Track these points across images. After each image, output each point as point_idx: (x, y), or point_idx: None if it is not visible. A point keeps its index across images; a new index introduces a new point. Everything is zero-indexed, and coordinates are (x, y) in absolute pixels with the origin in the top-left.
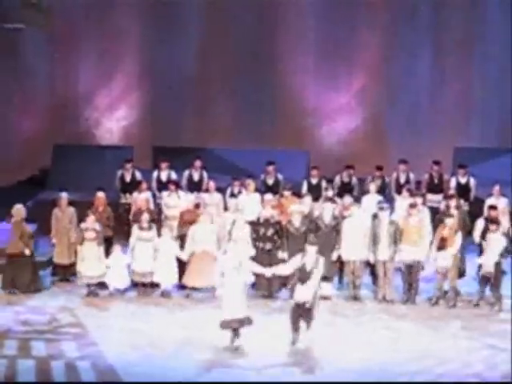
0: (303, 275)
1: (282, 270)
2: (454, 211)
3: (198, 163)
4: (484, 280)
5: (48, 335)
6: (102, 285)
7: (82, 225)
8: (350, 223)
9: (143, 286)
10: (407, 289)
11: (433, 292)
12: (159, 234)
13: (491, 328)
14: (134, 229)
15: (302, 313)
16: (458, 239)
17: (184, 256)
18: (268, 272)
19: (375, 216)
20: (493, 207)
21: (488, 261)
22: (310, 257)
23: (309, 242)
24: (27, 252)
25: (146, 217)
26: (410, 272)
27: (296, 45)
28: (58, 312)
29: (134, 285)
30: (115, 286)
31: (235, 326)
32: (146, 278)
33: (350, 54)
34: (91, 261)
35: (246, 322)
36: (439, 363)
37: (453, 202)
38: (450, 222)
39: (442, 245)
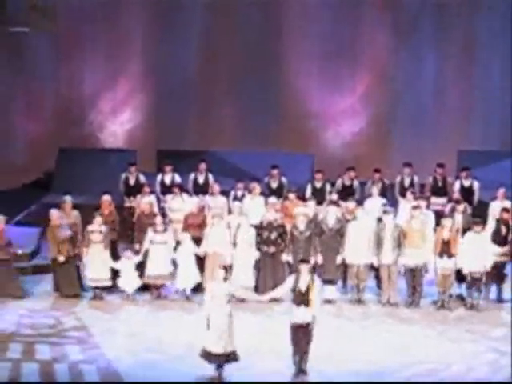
0: (298, 297)
1: (277, 293)
2: (458, 216)
3: (202, 166)
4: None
5: (52, 339)
6: (109, 289)
7: (89, 227)
8: (354, 227)
9: (157, 289)
10: (411, 292)
11: (437, 296)
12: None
13: (495, 331)
14: (149, 232)
15: (301, 335)
16: (464, 242)
17: (201, 253)
18: (264, 298)
19: (380, 219)
20: (505, 209)
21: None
22: (304, 276)
23: (302, 260)
24: (61, 258)
25: (159, 219)
26: (414, 275)
27: (300, 47)
28: (63, 315)
29: (145, 288)
30: (127, 290)
31: (218, 362)
32: (159, 281)
33: (354, 57)
34: (97, 264)
35: (231, 358)
36: (444, 367)
37: (460, 207)
38: (448, 222)
39: (445, 248)
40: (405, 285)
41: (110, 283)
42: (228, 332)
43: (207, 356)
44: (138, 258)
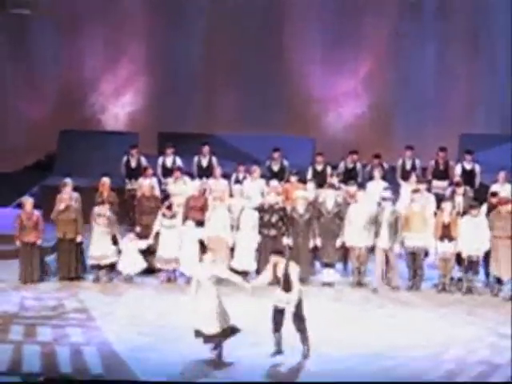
0: (280, 284)
1: (258, 282)
2: (459, 198)
3: (206, 149)
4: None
5: (54, 321)
6: (113, 271)
7: (96, 209)
8: (356, 209)
9: (166, 273)
10: (412, 275)
11: (438, 279)
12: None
13: (497, 315)
14: (159, 216)
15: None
16: (461, 225)
17: (204, 238)
18: (247, 286)
19: (380, 204)
20: (494, 194)
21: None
22: (280, 265)
23: (273, 252)
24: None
25: (169, 203)
26: (414, 259)
27: (303, 30)
28: (65, 298)
29: (150, 271)
30: (128, 272)
31: (214, 342)
32: (170, 265)
33: (356, 39)
34: (101, 243)
35: (229, 332)
36: (445, 349)
37: (460, 189)
38: (448, 206)
39: (446, 232)
40: (405, 268)
41: (113, 259)
42: (219, 312)
43: (201, 336)
44: (147, 242)
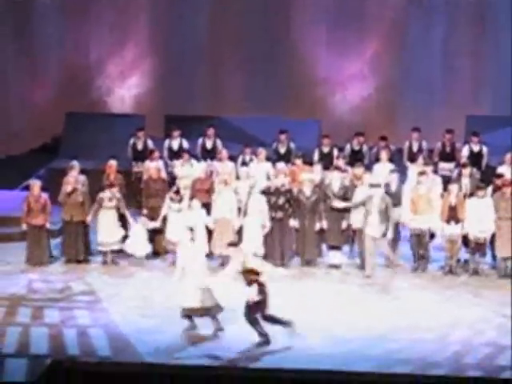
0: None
1: (224, 274)
2: (465, 180)
3: (211, 131)
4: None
5: (61, 303)
6: (120, 253)
7: (103, 193)
8: (362, 192)
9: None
10: (418, 257)
11: (444, 261)
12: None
13: (503, 296)
14: (166, 199)
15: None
16: (468, 207)
17: (210, 224)
18: (216, 279)
19: (387, 185)
20: (499, 176)
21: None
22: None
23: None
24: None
25: (176, 187)
26: (420, 241)
27: (308, 12)
28: (72, 280)
29: (156, 254)
30: (135, 253)
31: (197, 314)
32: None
33: (362, 21)
34: (109, 228)
35: (213, 311)
36: (451, 331)
37: (466, 171)
38: (454, 188)
39: (452, 214)
40: (409, 250)
41: (120, 246)
42: (203, 289)
43: (187, 312)
44: (154, 224)
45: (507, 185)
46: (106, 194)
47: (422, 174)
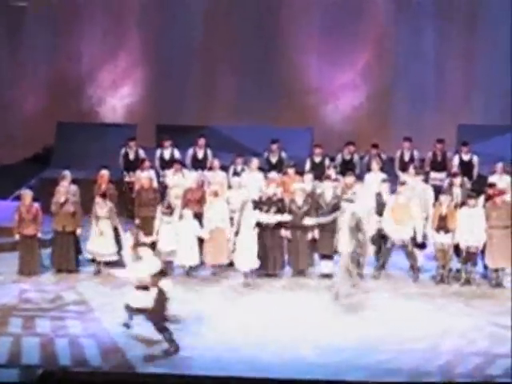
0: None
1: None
2: (457, 189)
3: (201, 141)
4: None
5: (53, 313)
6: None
7: (97, 202)
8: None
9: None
10: (409, 267)
11: (436, 270)
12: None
13: (495, 306)
14: (158, 213)
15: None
16: (459, 217)
17: (204, 235)
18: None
19: (378, 194)
20: (491, 185)
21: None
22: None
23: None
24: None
25: (167, 202)
26: (405, 251)
27: (300, 21)
28: (63, 290)
29: None
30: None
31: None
32: (170, 257)
33: (354, 30)
34: (102, 239)
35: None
36: (443, 340)
37: (457, 180)
38: (446, 199)
39: (442, 224)
40: (403, 260)
41: (113, 258)
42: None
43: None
44: (152, 238)
45: (498, 194)
46: (97, 204)
47: (402, 184)
